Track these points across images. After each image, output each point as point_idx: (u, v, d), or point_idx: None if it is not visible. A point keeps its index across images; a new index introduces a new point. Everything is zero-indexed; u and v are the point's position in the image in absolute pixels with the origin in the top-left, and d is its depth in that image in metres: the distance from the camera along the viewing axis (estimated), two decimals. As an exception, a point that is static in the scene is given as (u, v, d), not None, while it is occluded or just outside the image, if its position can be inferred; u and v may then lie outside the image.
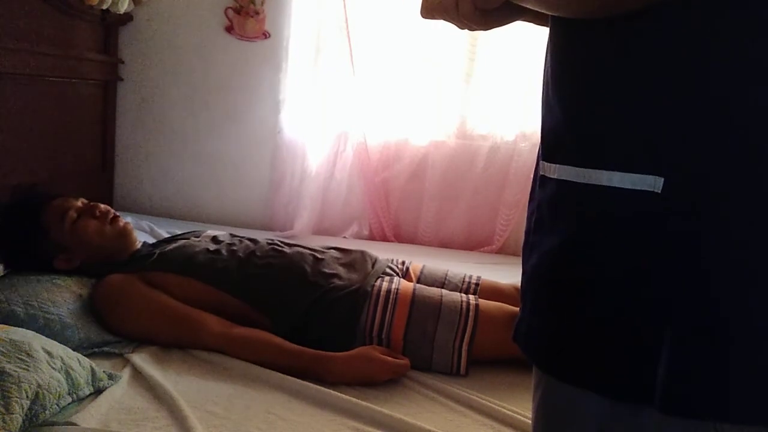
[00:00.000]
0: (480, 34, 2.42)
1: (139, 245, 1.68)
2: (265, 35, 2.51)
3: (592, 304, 0.55)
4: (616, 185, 0.51)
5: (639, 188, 0.50)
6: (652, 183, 0.50)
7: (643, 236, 0.51)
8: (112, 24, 2.46)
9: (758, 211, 0.48)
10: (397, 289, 1.48)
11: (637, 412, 0.54)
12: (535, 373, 0.64)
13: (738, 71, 0.47)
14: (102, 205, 1.64)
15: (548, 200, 0.59)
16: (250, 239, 1.69)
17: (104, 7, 2.24)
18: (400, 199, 2.58)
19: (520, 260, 0.66)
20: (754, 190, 0.48)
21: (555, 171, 0.57)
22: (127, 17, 2.49)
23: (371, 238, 2.58)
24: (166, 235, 2.07)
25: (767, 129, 0.47)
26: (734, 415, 0.50)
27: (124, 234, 1.63)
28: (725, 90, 0.48)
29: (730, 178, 0.48)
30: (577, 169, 0.54)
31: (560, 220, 0.57)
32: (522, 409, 1.23)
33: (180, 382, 1.26)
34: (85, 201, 1.64)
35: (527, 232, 0.63)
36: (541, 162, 0.61)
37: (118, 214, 1.67)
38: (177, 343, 1.42)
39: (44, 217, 1.56)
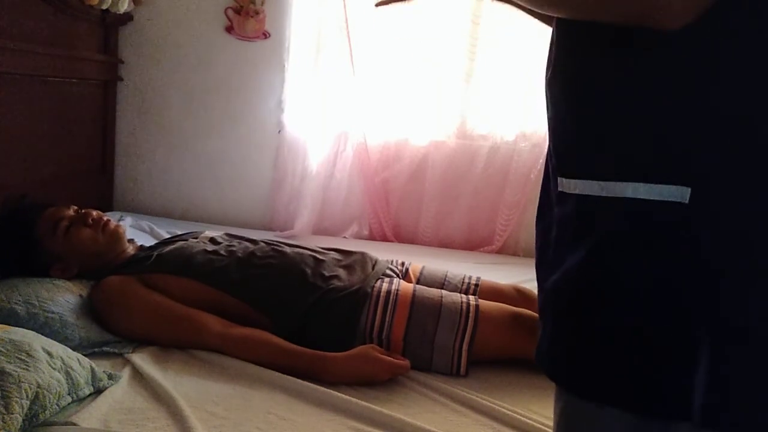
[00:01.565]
0: (480, 35, 2.41)
1: (131, 250, 1.68)
2: (265, 35, 2.51)
3: (622, 318, 0.54)
4: (642, 197, 0.51)
5: (666, 199, 0.49)
6: (679, 193, 0.49)
7: (671, 247, 0.50)
8: (112, 24, 2.46)
9: None
10: (397, 290, 1.48)
11: (666, 427, 0.52)
12: (557, 389, 0.62)
13: (758, 84, 0.47)
14: (94, 212, 1.64)
15: (569, 216, 0.58)
16: (248, 239, 1.69)
17: (104, 7, 2.24)
18: (400, 199, 2.58)
19: (520, 260, 0.66)
20: None
21: (574, 186, 0.56)
22: (127, 17, 2.49)
23: (371, 238, 2.58)
24: (166, 236, 2.08)
25: None
26: None
27: (117, 237, 1.63)
28: (747, 103, 0.47)
29: (754, 186, 0.47)
30: (599, 183, 0.53)
31: (583, 235, 0.56)
32: (522, 409, 1.23)
33: (180, 382, 1.26)
34: (77, 208, 1.64)
35: (541, 249, 0.62)
36: (558, 179, 0.60)
37: (109, 218, 1.67)
38: (177, 343, 1.42)
39: (37, 229, 1.55)
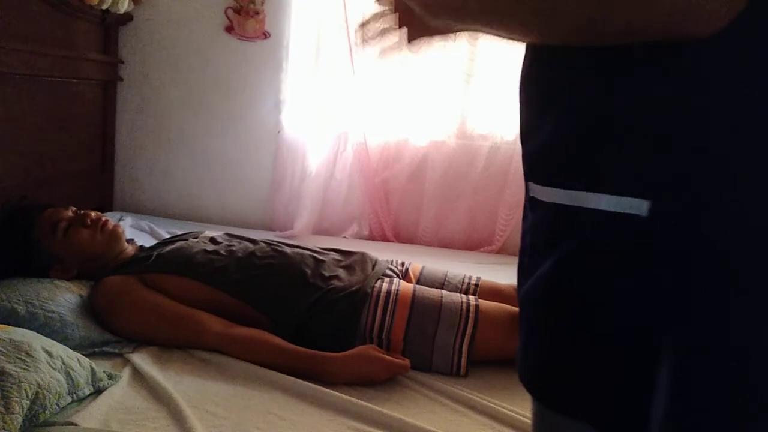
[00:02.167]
0: (480, 35, 2.41)
1: (131, 250, 1.68)
2: (265, 35, 2.51)
3: (584, 330, 0.54)
4: (604, 208, 0.51)
5: (625, 211, 0.49)
6: (638, 206, 0.49)
7: (631, 260, 0.50)
8: (112, 24, 2.46)
9: (743, 231, 0.46)
10: (397, 290, 1.48)
11: None
12: (531, 399, 0.62)
13: (726, 112, 0.46)
14: (93, 213, 1.64)
15: (540, 224, 0.58)
16: (248, 239, 1.69)
17: (104, 7, 2.24)
18: (400, 200, 2.58)
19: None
20: (738, 212, 0.46)
21: (544, 194, 0.56)
22: (127, 17, 2.49)
23: (371, 238, 2.58)
24: (167, 236, 2.08)
25: (751, 156, 0.46)
26: None
27: (115, 238, 1.63)
28: (715, 125, 0.47)
29: (714, 202, 0.47)
30: (568, 191, 0.53)
31: (553, 243, 0.56)
32: (522, 409, 1.23)
33: (180, 382, 1.26)
34: (76, 209, 1.64)
35: (520, 254, 0.62)
36: (529, 183, 0.60)
37: (108, 218, 1.67)
38: (177, 343, 1.42)
39: (36, 230, 1.56)
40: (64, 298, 1.44)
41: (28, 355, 1.11)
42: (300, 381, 1.28)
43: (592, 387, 0.53)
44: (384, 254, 1.81)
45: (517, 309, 1.47)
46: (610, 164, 0.50)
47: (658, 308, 0.49)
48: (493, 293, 1.61)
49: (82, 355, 1.26)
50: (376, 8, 0.65)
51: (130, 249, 1.69)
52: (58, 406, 1.10)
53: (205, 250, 1.59)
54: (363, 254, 1.66)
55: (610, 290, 0.51)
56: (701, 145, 0.47)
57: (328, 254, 1.64)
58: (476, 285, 1.65)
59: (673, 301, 0.48)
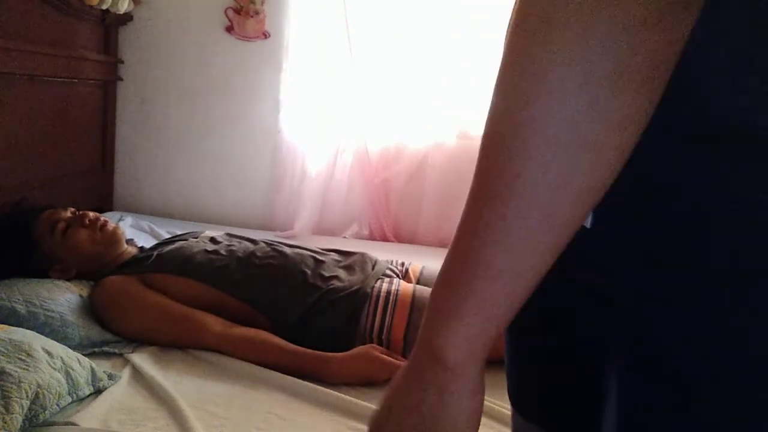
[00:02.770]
0: (480, 35, 2.42)
1: (131, 250, 1.68)
2: (265, 35, 2.51)
3: (537, 343, 0.53)
4: None
5: None
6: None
7: (578, 272, 0.48)
8: (112, 24, 2.46)
9: (684, 239, 0.43)
10: (397, 290, 1.48)
11: None
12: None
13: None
14: (91, 213, 1.64)
15: None
16: (248, 239, 1.69)
17: (104, 7, 2.24)
18: (400, 200, 2.58)
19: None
20: (681, 227, 0.43)
21: None
22: (127, 17, 2.49)
23: (371, 238, 2.58)
24: (167, 236, 2.08)
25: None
26: None
27: (114, 238, 1.63)
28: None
29: (657, 211, 0.44)
30: None
31: None
32: (522, 409, 1.23)
33: (180, 382, 1.26)
34: (75, 210, 1.64)
35: None
36: None
37: (107, 219, 1.67)
38: (177, 343, 1.42)
39: (34, 231, 1.56)
40: (64, 297, 1.44)
41: (28, 355, 1.11)
42: (300, 381, 1.28)
43: (551, 397, 0.52)
44: (384, 254, 1.81)
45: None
46: None
47: (599, 322, 0.47)
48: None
49: (82, 355, 1.26)
50: None
51: (130, 249, 1.69)
52: (58, 406, 1.10)
53: (206, 250, 1.59)
54: (363, 254, 1.66)
55: (555, 304, 0.49)
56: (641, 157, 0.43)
57: (327, 255, 1.64)
58: (476, 285, 1.64)
59: (614, 317, 0.46)
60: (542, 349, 0.53)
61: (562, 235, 0.40)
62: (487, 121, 0.40)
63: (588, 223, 0.46)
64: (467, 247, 0.41)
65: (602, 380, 0.47)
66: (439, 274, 0.43)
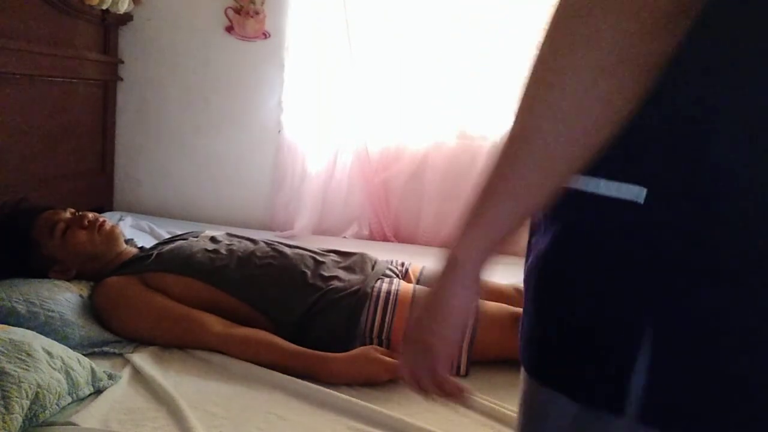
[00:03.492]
0: (480, 35, 2.42)
1: (131, 250, 1.68)
2: (265, 35, 2.51)
3: (571, 307, 0.55)
4: (602, 193, 0.52)
5: (623, 197, 0.50)
6: (636, 193, 0.50)
7: (624, 244, 0.51)
8: (112, 24, 2.46)
9: (732, 228, 0.48)
10: (397, 290, 1.48)
11: (607, 420, 0.53)
12: (521, 371, 0.64)
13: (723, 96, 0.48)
14: (90, 214, 1.64)
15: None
16: (248, 239, 1.69)
17: (104, 7, 2.24)
18: (400, 200, 2.58)
19: (520, 260, 0.67)
20: (735, 206, 0.48)
21: None
22: (127, 17, 2.49)
23: (371, 238, 2.58)
24: (167, 236, 2.08)
25: (748, 145, 0.47)
26: (712, 428, 0.50)
27: (113, 238, 1.63)
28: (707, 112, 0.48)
29: (711, 193, 0.48)
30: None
31: (552, 223, 0.57)
32: (522, 409, 1.23)
33: (180, 382, 1.26)
34: (74, 211, 1.64)
35: (529, 233, 0.64)
36: None
37: (106, 219, 1.67)
38: (178, 343, 1.42)
39: (34, 232, 1.56)
40: (64, 297, 1.44)
41: (28, 355, 1.11)
42: (300, 381, 1.28)
43: (573, 363, 0.55)
44: (384, 254, 1.81)
45: (517, 309, 1.47)
46: (610, 150, 0.51)
47: (642, 292, 0.50)
48: (494, 293, 1.61)
49: (82, 355, 1.26)
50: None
51: (129, 249, 1.69)
52: (58, 406, 1.10)
53: (206, 249, 1.59)
54: (362, 255, 1.66)
55: (596, 273, 0.53)
56: (702, 142, 0.48)
57: (327, 255, 1.64)
58: (476, 285, 1.64)
59: (657, 288, 0.50)
60: (572, 315, 0.55)
61: (573, 158, 0.49)
62: (531, 67, 0.51)
63: (641, 199, 0.49)
64: (494, 174, 0.52)
65: (633, 346, 0.50)
66: (469, 204, 0.55)
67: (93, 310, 1.48)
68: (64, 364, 1.15)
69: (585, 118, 0.48)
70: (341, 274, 1.55)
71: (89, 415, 1.11)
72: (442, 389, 0.60)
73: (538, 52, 0.50)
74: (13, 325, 1.25)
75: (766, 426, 0.50)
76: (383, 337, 1.42)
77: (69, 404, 1.14)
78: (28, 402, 1.03)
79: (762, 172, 0.46)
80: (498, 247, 0.56)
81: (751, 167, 0.47)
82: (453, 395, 0.59)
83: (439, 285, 0.58)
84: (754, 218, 0.47)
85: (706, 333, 0.49)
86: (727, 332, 0.49)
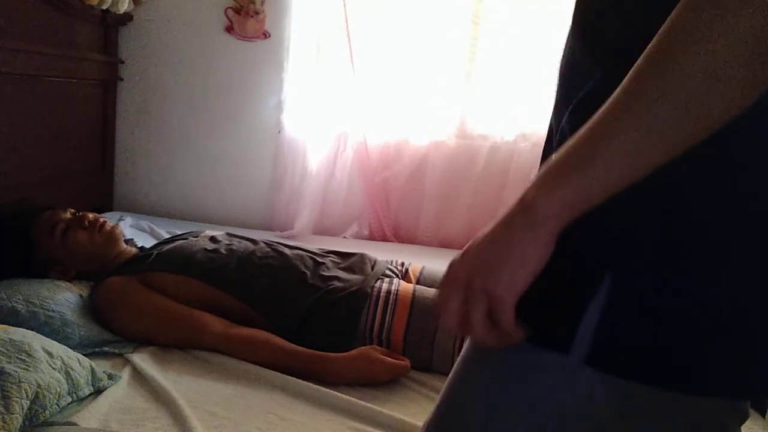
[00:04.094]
0: (480, 35, 2.42)
1: (131, 250, 1.68)
2: (265, 35, 2.51)
3: None
4: None
5: None
6: None
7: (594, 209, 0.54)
8: (112, 24, 2.46)
9: (692, 202, 0.51)
10: (397, 290, 1.48)
11: (554, 360, 0.56)
12: None
13: None
14: (90, 214, 1.64)
15: None
16: (248, 239, 1.69)
17: (104, 7, 2.24)
18: (400, 199, 2.58)
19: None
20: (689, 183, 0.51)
21: None
22: (127, 17, 2.49)
23: (371, 238, 2.58)
24: (167, 236, 2.08)
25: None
26: (659, 378, 0.53)
27: (113, 238, 1.63)
28: None
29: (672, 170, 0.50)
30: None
31: None
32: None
33: (180, 382, 1.26)
34: (74, 211, 1.64)
35: None
36: None
37: (106, 219, 1.67)
38: (178, 343, 1.42)
39: (34, 233, 1.56)
40: (64, 297, 1.44)
41: (28, 355, 1.11)
42: (300, 381, 1.28)
43: (532, 301, 0.55)
44: (384, 254, 1.81)
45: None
46: None
47: (605, 248, 0.54)
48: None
49: (82, 355, 1.26)
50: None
51: (129, 249, 1.69)
52: (58, 406, 1.10)
53: (206, 249, 1.59)
54: (362, 255, 1.66)
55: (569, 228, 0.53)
56: None
57: (326, 256, 1.64)
58: (476, 285, 1.64)
59: (620, 246, 0.53)
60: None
61: (693, 131, 0.46)
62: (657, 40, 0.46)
63: None
64: (599, 127, 0.47)
65: (589, 290, 0.53)
66: (560, 152, 0.50)
67: (93, 310, 1.48)
68: (64, 364, 1.15)
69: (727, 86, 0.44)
70: (341, 274, 1.55)
71: (89, 415, 1.11)
72: (504, 337, 0.55)
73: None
74: (13, 325, 1.25)
75: (705, 372, 0.53)
76: (383, 337, 1.42)
77: (69, 404, 1.13)
78: (28, 402, 1.03)
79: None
80: (587, 206, 0.50)
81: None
82: (513, 340, 0.55)
83: (509, 235, 0.52)
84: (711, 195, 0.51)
85: (659, 283, 0.52)
86: (679, 285, 0.52)
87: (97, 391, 1.20)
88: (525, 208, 0.51)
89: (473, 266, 0.54)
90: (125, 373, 1.28)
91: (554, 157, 0.50)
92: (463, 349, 0.67)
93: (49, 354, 1.15)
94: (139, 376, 1.28)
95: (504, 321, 0.53)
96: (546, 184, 0.50)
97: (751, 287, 0.52)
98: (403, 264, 1.72)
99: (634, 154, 0.46)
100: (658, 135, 0.45)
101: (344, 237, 2.58)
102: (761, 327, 0.53)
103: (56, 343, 1.22)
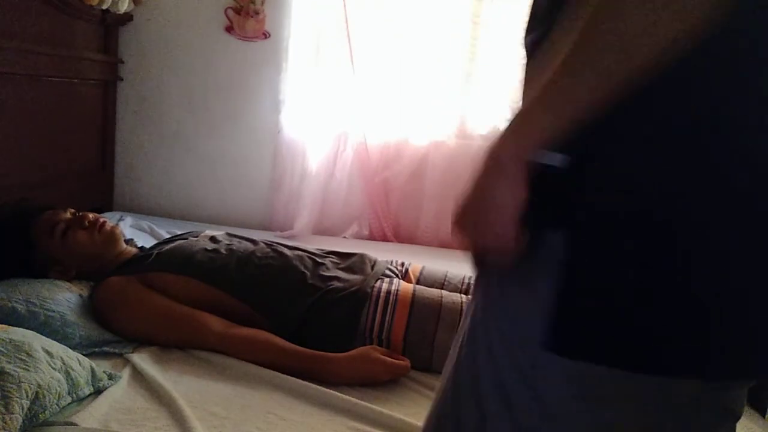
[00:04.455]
0: (480, 35, 2.42)
1: (131, 250, 1.68)
2: (265, 35, 2.51)
3: None
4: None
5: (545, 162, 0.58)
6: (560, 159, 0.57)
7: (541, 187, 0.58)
8: (112, 24, 2.46)
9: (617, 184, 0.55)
10: (397, 290, 1.48)
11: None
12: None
13: None
14: (90, 215, 1.64)
15: None
16: (248, 239, 1.69)
17: (104, 7, 2.24)
18: (400, 199, 2.58)
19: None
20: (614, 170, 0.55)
21: None
22: (127, 17, 2.49)
23: (371, 238, 2.58)
24: (167, 236, 2.08)
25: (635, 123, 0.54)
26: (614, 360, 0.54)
27: (113, 239, 1.63)
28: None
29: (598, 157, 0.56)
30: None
31: None
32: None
33: (180, 382, 1.26)
34: (74, 211, 1.64)
35: None
36: None
37: (106, 220, 1.67)
38: (178, 343, 1.42)
39: (34, 232, 1.56)
40: (64, 297, 1.44)
41: (28, 355, 1.11)
42: (300, 381, 1.28)
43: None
44: (384, 254, 1.81)
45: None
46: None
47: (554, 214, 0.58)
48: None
49: (82, 354, 1.26)
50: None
51: (129, 249, 1.69)
52: (58, 406, 1.10)
53: (206, 249, 1.59)
54: (362, 255, 1.66)
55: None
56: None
57: (326, 257, 1.64)
58: (476, 285, 1.64)
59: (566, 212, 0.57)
60: None
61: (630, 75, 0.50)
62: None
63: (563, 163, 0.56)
64: (552, 83, 0.53)
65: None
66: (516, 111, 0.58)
67: (93, 310, 1.48)
68: (64, 364, 1.15)
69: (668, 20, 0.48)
70: (341, 274, 1.55)
71: (89, 415, 1.11)
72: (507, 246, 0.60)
73: None
74: (13, 325, 1.25)
75: (655, 356, 0.54)
76: (383, 337, 1.42)
77: (69, 404, 1.13)
78: (28, 402, 1.03)
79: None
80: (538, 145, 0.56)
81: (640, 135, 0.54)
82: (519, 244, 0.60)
83: (483, 185, 0.60)
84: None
85: (614, 264, 0.54)
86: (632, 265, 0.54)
87: (97, 391, 1.20)
88: (491, 158, 0.58)
89: (466, 229, 0.62)
90: (125, 373, 1.28)
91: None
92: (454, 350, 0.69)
93: (49, 354, 1.15)
94: (139, 376, 1.28)
95: (506, 252, 0.60)
96: (504, 136, 0.58)
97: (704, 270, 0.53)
98: (403, 264, 1.72)
99: (575, 97, 0.52)
100: (594, 77, 0.51)
101: (344, 237, 2.58)
102: (712, 305, 0.54)
103: (56, 343, 1.22)
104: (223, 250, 1.59)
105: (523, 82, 0.67)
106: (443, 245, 2.54)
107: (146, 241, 1.95)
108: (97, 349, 1.38)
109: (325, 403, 1.22)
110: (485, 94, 2.46)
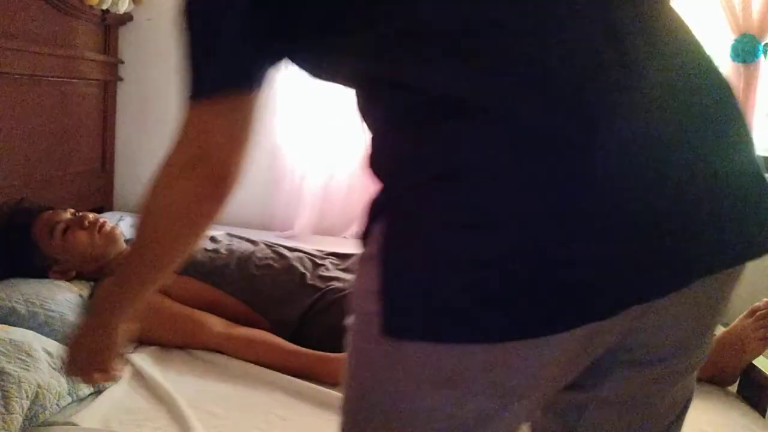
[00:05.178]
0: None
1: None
2: (265, 35, 2.50)
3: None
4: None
5: None
6: None
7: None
8: (112, 24, 2.46)
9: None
10: (397, 289, 1.48)
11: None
12: None
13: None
14: (91, 215, 1.64)
15: None
16: (248, 240, 1.69)
17: (104, 7, 2.24)
18: (401, 199, 2.58)
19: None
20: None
21: None
22: (127, 17, 2.49)
23: (371, 238, 2.58)
24: (166, 235, 2.07)
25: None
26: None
27: (113, 239, 1.63)
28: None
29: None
30: None
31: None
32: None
33: (180, 382, 1.26)
34: (74, 212, 1.64)
35: None
36: None
37: (106, 220, 1.67)
38: (178, 343, 1.42)
39: (34, 233, 1.56)
40: (64, 297, 1.44)
41: (28, 355, 1.11)
42: (300, 381, 1.28)
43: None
44: (384, 254, 1.81)
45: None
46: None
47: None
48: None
49: (82, 355, 1.26)
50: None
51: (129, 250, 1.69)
52: (58, 406, 1.10)
53: (205, 249, 1.59)
54: (362, 255, 1.66)
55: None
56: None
57: (326, 258, 1.64)
58: (476, 285, 1.64)
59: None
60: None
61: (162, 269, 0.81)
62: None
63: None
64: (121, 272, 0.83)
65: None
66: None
67: (93, 310, 1.48)
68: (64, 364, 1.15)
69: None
70: (341, 275, 1.55)
71: (89, 415, 1.11)
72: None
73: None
74: (13, 325, 1.25)
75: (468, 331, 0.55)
76: (383, 337, 1.42)
77: (69, 404, 1.14)
78: (28, 402, 1.04)
79: None
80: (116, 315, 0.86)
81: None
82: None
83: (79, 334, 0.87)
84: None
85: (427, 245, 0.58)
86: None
87: (97, 391, 1.20)
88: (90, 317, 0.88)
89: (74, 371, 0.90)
90: (125, 373, 1.28)
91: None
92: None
93: (49, 354, 1.15)
94: (139, 376, 1.28)
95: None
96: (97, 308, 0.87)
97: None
98: (403, 264, 1.72)
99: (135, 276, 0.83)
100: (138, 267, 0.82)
101: (344, 237, 2.58)
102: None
103: (56, 343, 1.23)
104: (223, 250, 1.59)
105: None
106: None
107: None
108: (97, 349, 1.38)
109: (325, 403, 1.22)
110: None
